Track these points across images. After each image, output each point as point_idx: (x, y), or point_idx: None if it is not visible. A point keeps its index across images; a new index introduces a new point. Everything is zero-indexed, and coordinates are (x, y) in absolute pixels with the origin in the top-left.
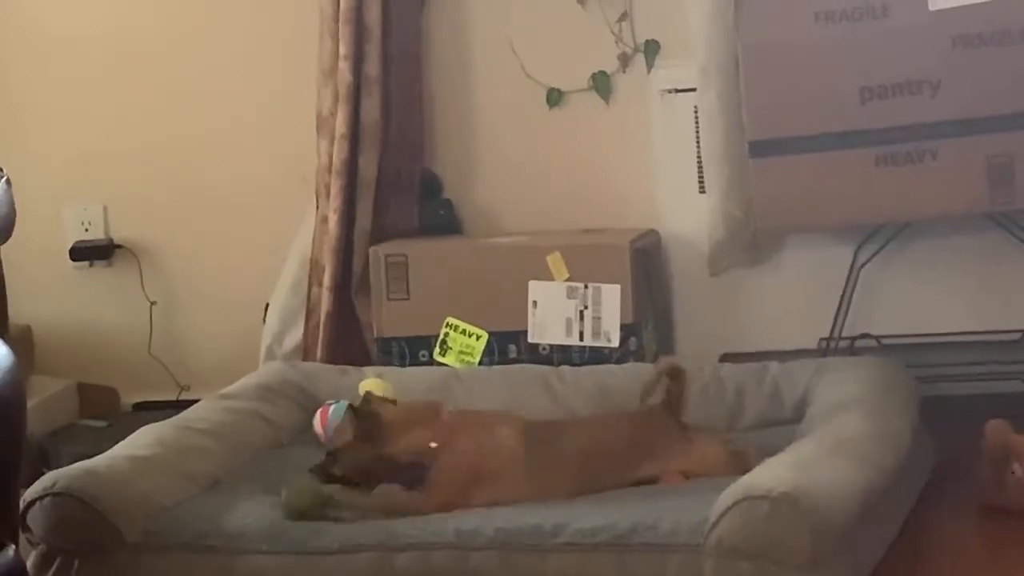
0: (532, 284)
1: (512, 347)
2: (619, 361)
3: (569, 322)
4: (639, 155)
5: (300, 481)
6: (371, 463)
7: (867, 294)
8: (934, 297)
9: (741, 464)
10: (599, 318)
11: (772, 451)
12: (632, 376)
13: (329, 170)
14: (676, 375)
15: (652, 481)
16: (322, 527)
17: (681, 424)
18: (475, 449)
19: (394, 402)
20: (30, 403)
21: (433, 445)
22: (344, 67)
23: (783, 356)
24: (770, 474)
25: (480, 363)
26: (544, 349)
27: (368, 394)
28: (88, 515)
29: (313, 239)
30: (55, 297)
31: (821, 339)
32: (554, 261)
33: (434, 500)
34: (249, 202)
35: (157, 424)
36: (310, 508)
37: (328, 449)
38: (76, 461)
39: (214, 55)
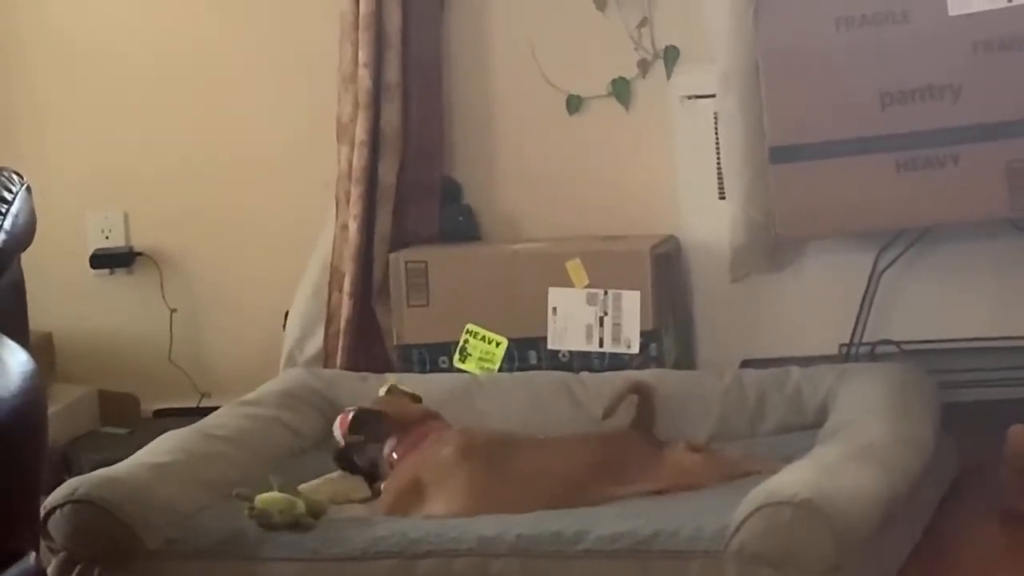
0: (552, 290)
1: (532, 353)
2: (640, 367)
3: (589, 328)
4: (659, 161)
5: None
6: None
7: (888, 299)
8: (955, 302)
9: (729, 468)
10: (619, 324)
11: (793, 456)
12: (652, 383)
13: (349, 177)
14: (644, 392)
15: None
16: (343, 534)
17: (653, 441)
18: (418, 465)
19: (418, 398)
20: (51, 410)
21: (395, 456)
22: (364, 73)
23: (803, 362)
24: (792, 480)
25: (500, 370)
26: (564, 356)
27: (392, 386)
28: (109, 522)
29: (333, 246)
30: (75, 304)
31: (841, 345)
32: (574, 267)
33: (379, 511)
34: (269, 209)
35: (178, 431)
36: (281, 515)
37: (340, 446)
38: (97, 468)
39: (234, 62)
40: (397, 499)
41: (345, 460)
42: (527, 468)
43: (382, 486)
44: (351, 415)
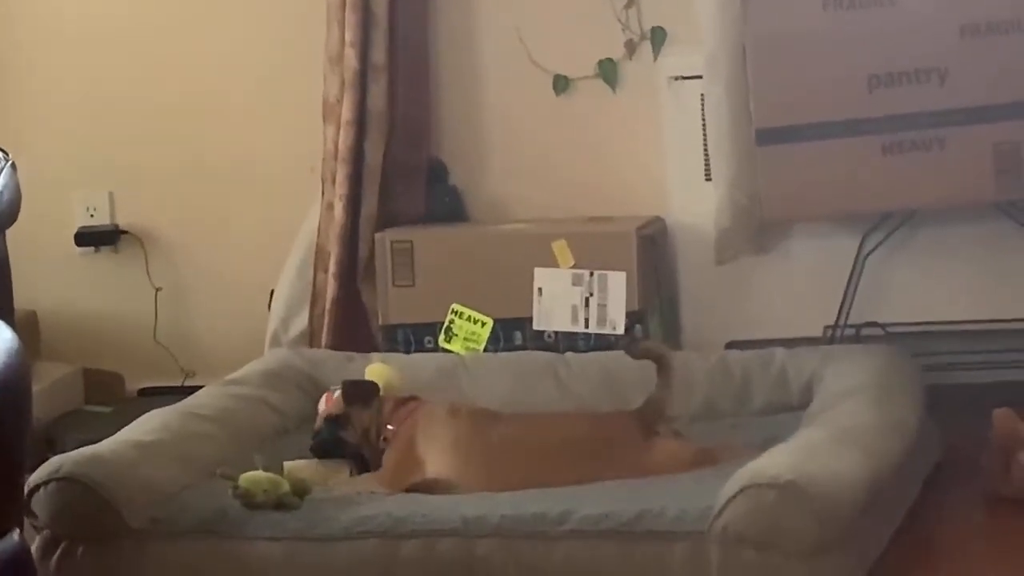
0: (538, 271)
1: (517, 334)
2: None
3: (575, 309)
4: (645, 143)
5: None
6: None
7: (873, 282)
8: (940, 285)
9: (706, 461)
10: (605, 305)
11: (777, 437)
12: (638, 363)
13: (335, 157)
14: (664, 370)
15: None
16: (327, 514)
17: (646, 429)
18: (414, 430)
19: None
20: (35, 389)
21: (390, 428)
22: (350, 54)
23: (789, 344)
24: (776, 462)
25: (485, 350)
26: (549, 336)
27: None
28: (93, 501)
29: (319, 225)
30: (60, 283)
31: (826, 327)
32: (559, 248)
33: (378, 485)
34: (255, 189)
35: (162, 410)
36: (265, 495)
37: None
38: (81, 447)
39: (220, 42)
40: (397, 466)
41: (327, 444)
42: (513, 433)
43: (383, 458)
44: (336, 392)
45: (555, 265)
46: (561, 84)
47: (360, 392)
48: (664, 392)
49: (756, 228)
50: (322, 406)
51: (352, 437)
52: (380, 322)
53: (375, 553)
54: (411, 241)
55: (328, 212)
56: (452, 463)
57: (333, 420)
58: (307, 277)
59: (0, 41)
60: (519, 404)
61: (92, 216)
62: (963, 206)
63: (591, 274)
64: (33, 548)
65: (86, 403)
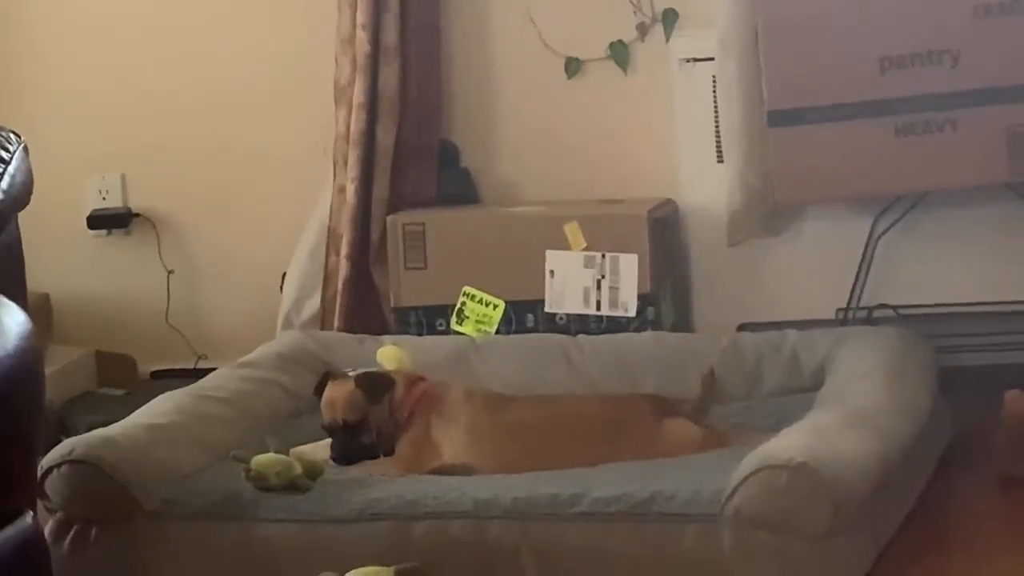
0: (549, 253)
1: (529, 316)
2: (637, 331)
3: (586, 291)
4: (657, 125)
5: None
6: (385, 426)
7: (885, 264)
8: (953, 267)
9: (718, 443)
10: (616, 288)
11: (790, 419)
12: (650, 346)
13: (347, 139)
14: (707, 383)
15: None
16: (340, 496)
17: (658, 411)
18: (424, 422)
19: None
20: (48, 371)
21: (407, 415)
22: (362, 36)
23: (801, 326)
24: (788, 444)
25: (497, 332)
26: (561, 319)
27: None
28: (105, 483)
29: (331, 208)
30: (73, 266)
31: (839, 309)
32: (571, 230)
33: (395, 470)
34: (267, 171)
35: (174, 392)
36: (278, 477)
37: (336, 424)
38: (93, 429)
39: (232, 25)
40: (413, 451)
41: (350, 455)
42: (526, 415)
43: (398, 443)
44: (346, 385)
45: (567, 247)
46: (573, 66)
47: (377, 391)
48: (701, 406)
49: (768, 210)
50: (338, 411)
51: (370, 438)
52: (392, 304)
53: (387, 535)
54: (423, 223)
55: (340, 195)
56: (468, 447)
57: (352, 428)
58: (319, 260)
59: (13, 24)
60: (530, 386)
61: (104, 199)
62: (976, 188)
63: (603, 256)
64: (46, 530)
65: (99, 385)
